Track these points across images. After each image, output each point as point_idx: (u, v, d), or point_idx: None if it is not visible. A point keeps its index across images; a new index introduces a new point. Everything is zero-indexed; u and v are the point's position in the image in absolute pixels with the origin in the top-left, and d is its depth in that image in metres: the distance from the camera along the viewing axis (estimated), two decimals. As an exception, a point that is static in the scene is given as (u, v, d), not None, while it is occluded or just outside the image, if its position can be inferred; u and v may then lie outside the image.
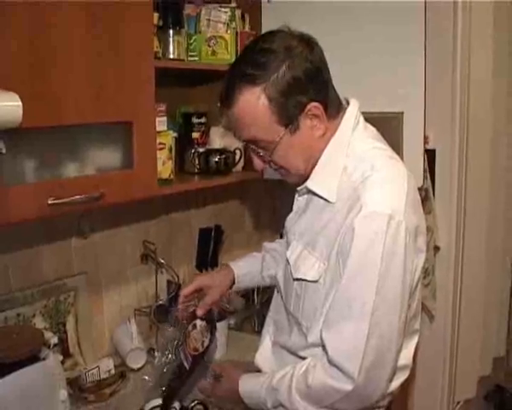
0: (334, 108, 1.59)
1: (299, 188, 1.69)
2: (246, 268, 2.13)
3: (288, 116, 1.53)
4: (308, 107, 1.53)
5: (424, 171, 2.68)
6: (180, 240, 2.69)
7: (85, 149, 1.85)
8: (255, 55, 1.54)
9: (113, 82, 1.78)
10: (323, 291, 1.56)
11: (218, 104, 1.62)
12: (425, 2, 2.24)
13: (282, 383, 1.60)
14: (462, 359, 2.99)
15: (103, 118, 1.78)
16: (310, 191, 1.65)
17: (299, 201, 1.74)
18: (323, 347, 1.53)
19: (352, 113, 1.62)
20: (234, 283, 2.09)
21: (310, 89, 1.52)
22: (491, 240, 3.07)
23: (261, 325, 2.73)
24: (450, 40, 2.55)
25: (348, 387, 1.47)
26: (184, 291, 2.01)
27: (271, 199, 3.20)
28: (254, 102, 1.51)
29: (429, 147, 2.67)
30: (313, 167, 1.62)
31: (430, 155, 2.68)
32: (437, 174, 2.71)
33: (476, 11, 2.65)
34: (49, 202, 1.61)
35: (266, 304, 2.80)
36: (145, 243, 2.45)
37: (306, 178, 1.64)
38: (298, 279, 1.63)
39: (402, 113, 2.23)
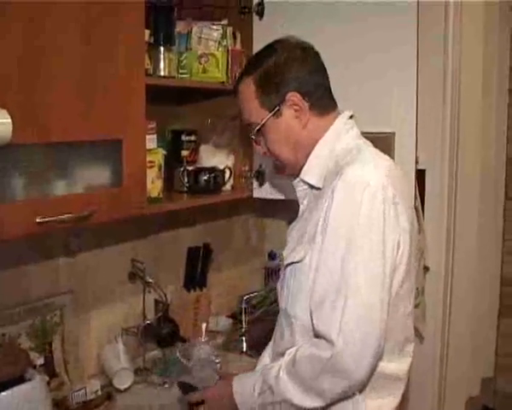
0: (322, 107, 1.74)
1: (294, 181, 1.79)
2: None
3: (272, 101, 1.71)
4: (288, 95, 1.70)
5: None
6: (168, 259, 2.67)
7: (74, 167, 1.84)
8: (258, 54, 1.81)
9: (103, 99, 1.76)
10: (309, 271, 1.60)
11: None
12: (417, 24, 2.24)
13: (273, 366, 1.64)
14: (451, 379, 2.98)
15: (93, 135, 1.76)
16: (304, 182, 1.75)
17: (302, 208, 1.81)
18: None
19: (343, 118, 1.75)
20: None
21: (293, 81, 1.70)
22: (481, 260, 3.07)
23: (249, 345, 2.72)
24: (440, 62, 2.56)
25: (327, 353, 1.49)
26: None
27: (260, 218, 3.19)
28: (246, 89, 1.75)
29: (419, 167, 2.66)
30: (303, 161, 1.74)
31: (420, 175, 2.68)
32: (427, 194, 2.71)
33: (467, 32, 2.67)
34: (38, 220, 1.59)
35: (253, 325, 2.80)
36: (133, 261, 2.43)
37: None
38: (288, 265, 1.71)
39: (394, 133, 2.23)
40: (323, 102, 1.75)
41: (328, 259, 1.53)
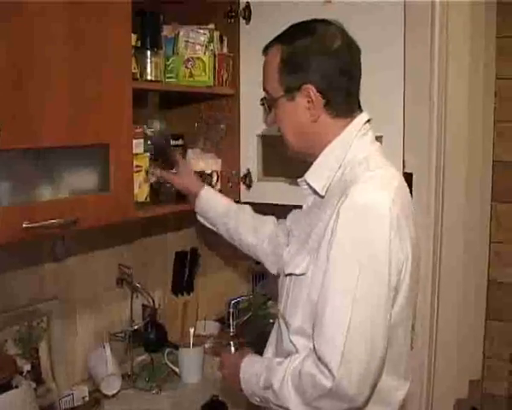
0: (339, 110, 1.69)
1: (299, 180, 1.77)
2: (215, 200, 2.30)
3: (288, 83, 1.68)
4: (304, 86, 1.65)
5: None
6: (156, 264, 2.66)
7: (61, 172, 1.82)
8: (299, 25, 1.74)
9: (90, 104, 1.76)
10: (309, 284, 1.60)
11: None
12: (404, 26, 2.25)
13: (281, 366, 1.62)
14: (439, 382, 2.98)
15: (80, 140, 1.75)
16: (308, 185, 1.73)
17: (305, 206, 1.81)
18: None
19: (358, 124, 1.70)
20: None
21: (316, 73, 1.65)
22: (468, 263, 3.07)
23: (237, 349, 2.71)
24: (427, 66, 2.56)
25: (328, 382, 1.47)
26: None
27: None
28: (272, 58, 1.71)
29: (406, 170, 2.67)
30: (309, 155, 1.73)
31: (407, 179, 2.68)
32: (414, 198, 2.70)
33: (453, 35, 2.67)
34: (25, 225, 1.58)
35: (241, 329, 2.79)
36: (120, 266, 2.42)
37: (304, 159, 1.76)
38: (288, 275, 1.69)
39: (381, 137, 2.23)
40: (343, 105, 1.69)
41: (331, 282, 1.50)
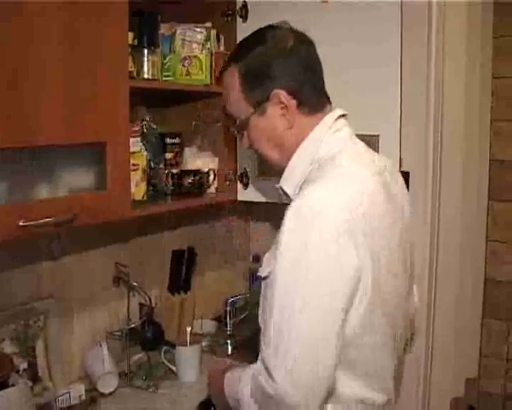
0: (311, 105, 1.63)
1: (276, 186, 1.72)
2: None
3: (256, 98, 1.62)
4: (273, 93, 1.60)
5: (398, 193, 2.69)
6: (152, 262, 2.66)
7: (58, 170, 1.83)
8: (247, 40, 1.71)
9: (87, 102, 1.76)
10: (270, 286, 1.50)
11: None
12: (401, 25, 2.25)
13: (242, 377, 1.60)
14: (435, 380, 2.98)
15: (77, 139, 1.75)
16: (282, 190, 1.69)
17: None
18: None
19: (328, 120, 1.64)
20: None
21: (280, 77, 1.60)
22: (465, 261, 3.07)
23: (234, 348, 2.72)
24: (424, 65, 2.56)
25: (271, 390, 1.40)
26: None
27: (244, 221, 3.19)
28: (231, 79, 1.65)
29: (403, 169, 2.67)
30: (288, 161, 1.66)
31: (404, 177, 2.68)
32: (411, 196, 2.70)
33: (450, 35, 2.67)
34: (21, 223, 1.58)
35: (238, 327, 2.79)
36: (117, 265, 2.42)
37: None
38: (259, 278, 1.63)
39: (378, 136, 2.23)
40: (313, 99, 1.64)
41: (275, 289, 1.43)
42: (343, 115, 1.67)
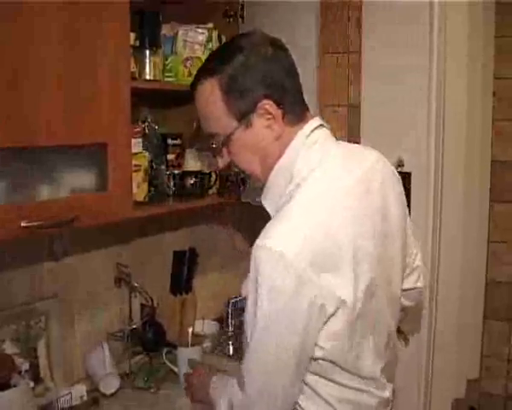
0: (295, 114, 1.56)
1: (257, 200, 1.66)
2: None
3: (241, 110, 1.51)
4: (260, 104, 1.50)
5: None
6: (154, 263, 2.66)
7: (59, 171, 1.83)
8: (221, 51, 1.62)
9: (87, 103, 1.76)
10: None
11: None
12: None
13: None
14: (437, 381, 2.98)
15: (77, 140, 1.75)
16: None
17: None
18: None
19: (303, 134, 1.56)
20: None
21: (265, 87, 1.50)
22: (466, 262, 3.08)
23: (235, 349, 2.72)
24: (426, 65, 2.57)
25: (239, 395, 1.52)
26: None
27: (246, 222, 3.18)
28: (209, 93, 1.52)
29: (405, 170, 2.67)
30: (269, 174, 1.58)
31: (405, 178, 2.69)
32: (412, 197, 2.71)
33: (451, 37, 2.68)
34: (23, 224, 1.58)
35: (240, 328, 2.79)
36: (118, 265, 2.42)
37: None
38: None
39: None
40: (297, 108, 1.56)
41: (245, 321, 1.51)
42: (321, 125, 1.59)
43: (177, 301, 2.70)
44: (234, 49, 1.53)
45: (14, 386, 1.74)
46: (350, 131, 2.86)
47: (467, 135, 2.96)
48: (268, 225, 1.45)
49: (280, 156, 1.55)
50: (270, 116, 1.52)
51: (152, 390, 2.29)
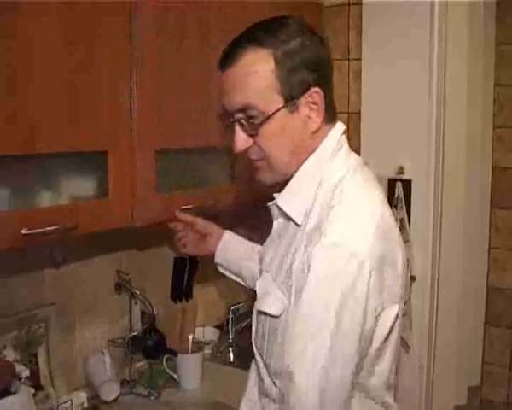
0: (332, 111, 1.49)
1: (269, 204, 1.56)
2: (237, 242, 2.15)
3: (291, 90, 1.40)
4: (311, 90, 1.42)
5: (400, 201, 2.69)
6: (154, 270, 2.65)
7: (60, 179, 1.83)
8: (268, 23, 1.45)
9: (88, 110, 1.76)
10: (283, 327, 1.42)
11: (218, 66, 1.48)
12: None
13: None
14: (438, 388, 2.98)
15: (78, 147, 1.76)
16: (280, 210, 1.52)
17: (276, 226, 1.59)
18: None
19: (335, 136, 1.49)
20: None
21: (317, 74, 1.42)
22: (467, 269, 3.08)
23: (236, 356, 2.72)
24: (426, 72, 2.58)
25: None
26: (182, 215, 2.13)
27: (246, 228, 3.18)
28: (260, 63, 1.40)
29: (405, 177, 2.68)
30: (291, 175, 1.49)
31: (406, 186, 2.69)
32: (413, 204, 2.72)
33: (451, 44, 2.68)
34: (23, 232, 1.58)
35: (241, 335, 2.79)
36: (119, 272, 2.42)
37: (281, 185, 1.52)
38: (260, 312, 1.50)
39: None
40: (333, 105, 1.49)
41: (298, 331, 1.35)
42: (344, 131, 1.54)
43: (178, 308, 2.69)
44: (288, 28, 1.42)
45: (15, 393, 1.73)
46: (350, 139, 2.87)
47: (467, 141, 2.96)
48: (327, 225, 1.35)
49: (311, 153, 1.47)
50: (315, 106, 1.43)
51: (152, 397, 2.29)
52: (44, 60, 1.62)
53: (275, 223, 1.59)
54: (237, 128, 1.47)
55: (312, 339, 1.33)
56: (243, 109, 1.43)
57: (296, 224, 1.46)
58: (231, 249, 2.12)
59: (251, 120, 1.43)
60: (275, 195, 1.54)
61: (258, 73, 1.40)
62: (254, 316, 1.57)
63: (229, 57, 1.43)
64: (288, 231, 1.51)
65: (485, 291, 3.41)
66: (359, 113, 2.86)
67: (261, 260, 1.68)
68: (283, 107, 1.41)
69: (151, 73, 1.97)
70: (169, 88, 2.05)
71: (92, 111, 1.77)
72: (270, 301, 1.47)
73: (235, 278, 2.15)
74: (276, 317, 1.44)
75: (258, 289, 1.55)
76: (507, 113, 3.24)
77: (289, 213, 1.49)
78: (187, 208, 2.13)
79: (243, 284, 2.14)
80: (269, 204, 1.56)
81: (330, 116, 1.48)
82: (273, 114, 1.41)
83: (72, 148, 1.74)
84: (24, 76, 1.57)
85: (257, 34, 1.42)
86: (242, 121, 1.45)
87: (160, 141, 2.04)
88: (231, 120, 1.47)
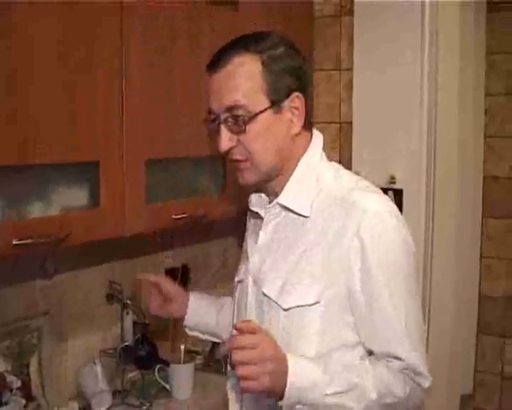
0: (308, 121, 1.57)
1: (268, 206, 1.60)
2: (204, 305, 1.94)
3: (276, 92, 1.49)
4: (294, 95, 1.50)
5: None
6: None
7: (51, 189, 1.83)
8: (254, 33, 1.55)
9: (80, 121, 1.77)
10: (322, 312, 1.47)
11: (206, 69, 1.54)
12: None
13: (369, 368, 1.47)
14: (430, 397, 2.98)
15: (70, 157, 1.76)
16: (283, 207, 1.56)
17: (269, 228, 1.60)
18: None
19: (319, 143, 1.60)
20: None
21: (298, 82, 1.52)
22: (459, 278, 3.08)
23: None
24: (417, 82, 2.59)
25: (426, 384, 1.55)
26: (145, 276, 1.96)
27: (237, 237, 3.18)
28: (248, 65, 1.48)
29: (397, 187, 2.69)
30: (276, 176, 1.56)
31: (398, 195, 2.70)
32: (404, 213, 2.72)
33: (442, 54, 2.70)
34: (14, 242, 1.58)
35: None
36: (111, 283, 2.42)
37: (262, 187, 1.60)
38: (290, 309, 1.50)
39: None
40: (310, 113, 1.60)
41: (386, 305, 1.46)
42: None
43: (170, 317, 2.69)
44: (273, 38, 1.53)
45: (6, 404, 1.73)
46: (341, 149, 2.88)
47: (459, 151, 2.97)
48: (362, 200, 1.49)
49: (293, 156, 1.56)
50: (296, 111, 1.52)
51: (144, 407, 2.28)
52: (37, 72, 1.63)
53: (268, 226, 1.61)
54: (222, 128, 1.51)
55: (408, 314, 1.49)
56: (231, 108, 1.49)
57: (303, 216, 1.53)
58: (199, 315, 1.94)
59: (238, 119, 1.49)
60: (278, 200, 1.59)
61: (246, 74, 1.48)
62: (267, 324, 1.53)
63: (218, 60, 1.50)
64: (289, 227, 1.57)
65: (478, 300, 3.41)
66: (351, 122, 2.87)
67: (252, 270, 1.65)
68: (269, 108, 1.49)
69: (140, 84, 1.98)
70: (158, 99, 2.07)
71: (84, 122, 1.78)
72: (299, 293, 1.50)
73: (204, 337, 1.99)
74: (316, 303, 1.48)
75: (268, 293, 1.55)
76: (498, 122, 3.25)
77: (296, 208, 1.54)
78: (178, 218, 2.13)
79: (216, 340, 2.03)
80: (268, 206, 1.60)
81: (308, 123, 1.57)
82: (260, 112, 1.48)
83: (63, 159, 1.75)
84: (16, 88, 1.58)
85: (245, 41, 1.51)
86: (229, 121, 1.50)
87: (149, 151, 2.05)
88: (217, 121, 1.52)
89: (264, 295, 1.56)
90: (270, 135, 1.51)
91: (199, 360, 2.65)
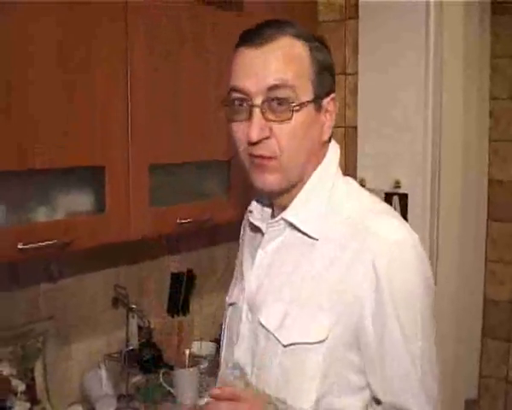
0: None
1: (271, 221, 1.39)
2: None
3: (320, 86, 1.31)
4: (332, 95, 1.34)
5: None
6: (151, 284, 2.66)
7: (57, 193, 1.83)
8: (299, 26, 1.34)
9: (84, 126, 1.77)
10: (323, 352, 1.27)
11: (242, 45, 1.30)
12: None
13: None
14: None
15: (74, 162, 1.76)
16: (288, 224, 1.35)
17: (272, 246, 1.39)
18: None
19: (335, 155, 1.40)
20: None
21: (333, 81, 1.36)
22: (464, 282, 3.08)
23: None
24: (422, 87, 2.59)
25: None
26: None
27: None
28: (298, 48, 1.29)
29: (401, 191, 2.68)
30: (292, 186, 1.34)
31: (402, 199, 2.70)
32: (409, 218, 2.72)
33: (447, 58, 2.69)
34: (20, 246, 1.58)
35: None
36: (116, 287, 2.42)
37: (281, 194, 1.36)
38: (290, 345, 1.29)
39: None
40: None
41: (401, 341, 1.30)
42: None
43: (175, 322, 2.69)
44: (307, 33, 1.34)
45: (11, 408, 1.73)
46: (347, 153, 2.88)
47: (463, 155, 2.97)
48: (378, 226, 1.28)
49: (316, 164, 1.36)
50: (329, 116, 1.34)
51: (148, 412, 2.29)
52: (39, 77, 1.64)
53: (269, 244, 1.40)
54: (257, 112, 1.26)
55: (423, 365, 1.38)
56: (275, 88, 1.25)
57: (311, 237, 1.33)
58: None
59: (283, 103, 1.26)
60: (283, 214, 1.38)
61: (297, 55, 1.28)
62: (251, 361, 1.39)
63: (263, 35, 1.27)
64: (294, 248, 1.36)
65: (482, 304, 3.40)
66: (356, 127, 2.87)
67: (238, 295, 1.53)
68: (313, 101, 1.29)
69: (145, 88, 1.98)
70: (163, 103, 2.06)
71: (88, 126, 1.78)
72: (303, 328, 1.29)
73: None
74: (321, 341, 1.27)
75: (266, 324, 1.34)
76: (503, 126, 3.25)
77: (303, 227, 1.34)
78: (183, 222, 2.13)
79: None
80: (271, 221, 1.40)
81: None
82: (307, 102, 1.28)
83: (68, 163, 1.75)
84: (19, 93, 1.59)
85: (290, 24, 1.32)
86: (271, 104, 1.26)
87: (154, 156, 2.05)
88: (248, 103, 1.28)
89: (262, 325, 1.35)
90: (308, 134, 1.30)
91: (204, 364, 2.64)
